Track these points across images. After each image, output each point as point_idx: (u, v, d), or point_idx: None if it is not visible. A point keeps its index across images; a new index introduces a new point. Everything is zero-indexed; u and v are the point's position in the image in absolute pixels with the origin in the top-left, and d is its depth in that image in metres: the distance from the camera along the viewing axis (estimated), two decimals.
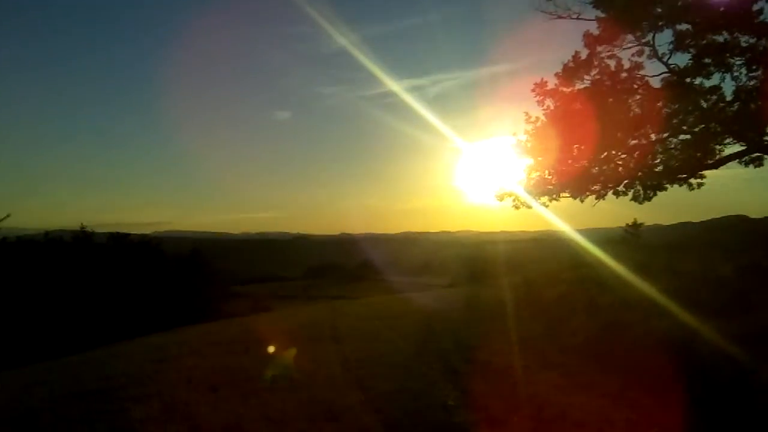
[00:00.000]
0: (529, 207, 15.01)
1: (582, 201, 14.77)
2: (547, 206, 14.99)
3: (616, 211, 16.04)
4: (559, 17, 13.70)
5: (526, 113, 14.78)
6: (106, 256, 30.81)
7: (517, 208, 15.17)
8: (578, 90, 13.92)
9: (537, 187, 15.05)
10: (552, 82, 14.32)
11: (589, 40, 13.82)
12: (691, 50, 13.05)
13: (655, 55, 13.69)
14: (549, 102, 14.38)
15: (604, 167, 14.10)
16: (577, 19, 13.71)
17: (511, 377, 7.10)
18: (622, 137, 13.58)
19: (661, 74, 13.91)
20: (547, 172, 14.74)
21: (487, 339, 10.03)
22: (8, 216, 35.51)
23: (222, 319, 31.85)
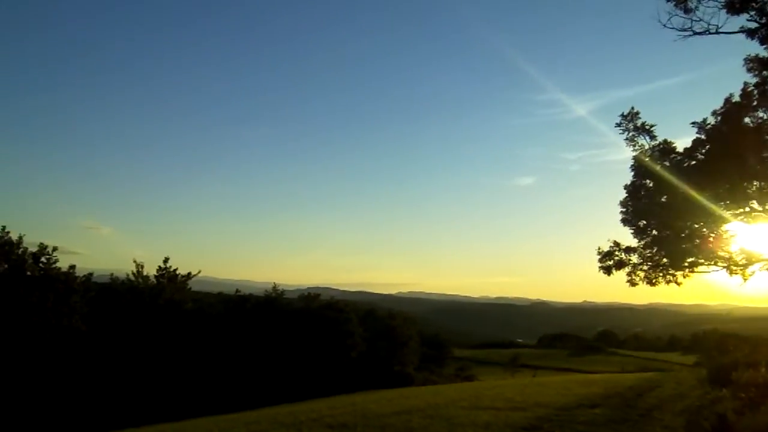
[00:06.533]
0: (653, 284, 11.63)
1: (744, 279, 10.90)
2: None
3: None
4: (695, 34, 10.58)
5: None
6: (290, 316, 33.39)
7: (633, 284, 11.87)
8: (739, 127, 10.58)
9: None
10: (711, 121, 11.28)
11: (756, 65, 10.54)
12: None
13: None
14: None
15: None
16: (716, 33, 10.43)
17: None
18: None
19: None
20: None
21: None
22: (199, 272, 40.88)
23: (402, 386, 31.73)
